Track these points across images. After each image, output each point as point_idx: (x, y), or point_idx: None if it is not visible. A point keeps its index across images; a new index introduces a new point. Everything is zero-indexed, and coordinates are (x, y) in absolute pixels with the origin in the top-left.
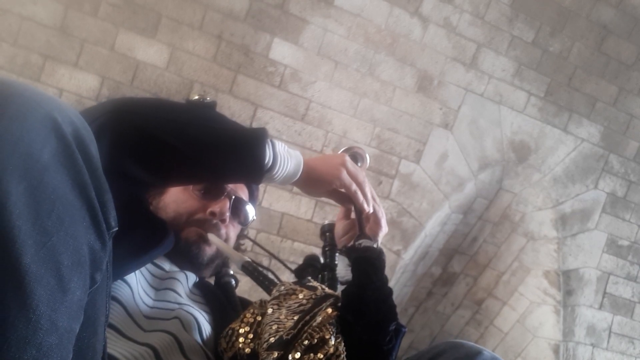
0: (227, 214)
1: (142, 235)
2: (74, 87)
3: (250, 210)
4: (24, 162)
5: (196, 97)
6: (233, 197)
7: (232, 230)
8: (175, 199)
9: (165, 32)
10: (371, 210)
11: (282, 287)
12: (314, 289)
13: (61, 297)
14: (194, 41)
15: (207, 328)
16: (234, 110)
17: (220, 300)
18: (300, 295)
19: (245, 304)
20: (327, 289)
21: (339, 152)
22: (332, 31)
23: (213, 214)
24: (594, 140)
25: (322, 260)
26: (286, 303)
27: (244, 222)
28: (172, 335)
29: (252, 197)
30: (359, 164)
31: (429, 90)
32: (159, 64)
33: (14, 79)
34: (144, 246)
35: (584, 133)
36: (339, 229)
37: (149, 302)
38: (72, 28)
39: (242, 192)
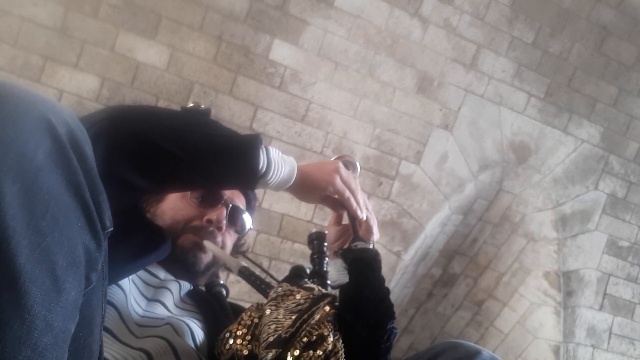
0: (224, 222)
1: (139, 240)
2: (74, 88)
3: (247, 219)
4: (18, 163)
5: (191, 105)
6: (230, 205)
7: (228, 239)
8: (173, 207)
9: (165, 33)
10: (364, 217)
11: (280, 289)
12: (310, 289)
13: (56, 297)
14: (194, 42)
15: (199, 334)
16: (234, 111)
17: (213, 307)
18: (297, 295)
19: (236, 310)
20: (323, 290)
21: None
22: (332, 32)
23: (210, 221)
24: (594, 141)
25: (310, 268)
26: (284, 304)
27: (240, 231)
28: (165, 340)
29: (250, 206)
30: (349, 171)
31: (429, 91)
32: (159, 65)
33: (8, 80)
34: (141, 250)
35: (584, 134)
36: (331, 235)
37: (140, 311)
38: (72, 29)
39: (240, 200)
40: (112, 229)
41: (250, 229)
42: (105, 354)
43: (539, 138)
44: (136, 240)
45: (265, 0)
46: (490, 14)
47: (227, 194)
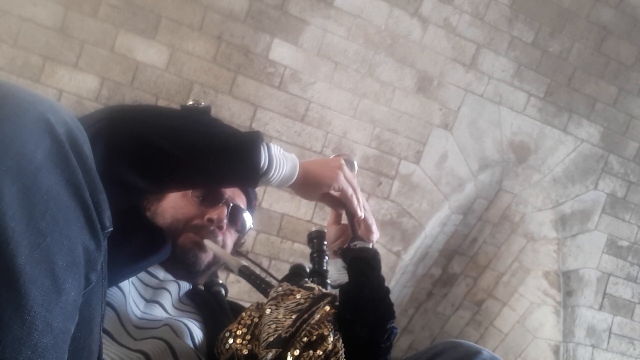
0: (225, 221)
1: (140, 241)
2: (73, 88)
3: (248, 218)
4: (17, 163)
5: (191, 103)
6: (231, 204)
7: (229, 238)
8: (174, 205)
9: (165, 33)
10: (363, 216)
11: (280, 288)
12: (311, 289)
13: (56, 297)
14: (194, 42)
15: (198, 334)
16: (234, 111)
17: (212, 307)
18: (297, 295)
19: (235, 309)
20: (323, 289)
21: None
22: (332, 32)
23: (210, 220)
24: (594, 141)
25: (310, 266)
26: (284, 303)
27: (241, 230)
28: (164, 341)
29: (250, 206)
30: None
31: (429, 90)
32: (158, 65)
33: (7, 80)
34: (141, 253)
35: (583, 134)
36: (330, 234)
37: (138, 312)
38: (71, 29)
39: (240, 199)
40: (111, 229)
41: (250, 228)
42: (104, 356)
43: (539, 138)
44: (136, 242)
45: (265, 0)
46: (489, 13)
47: (228, 193)
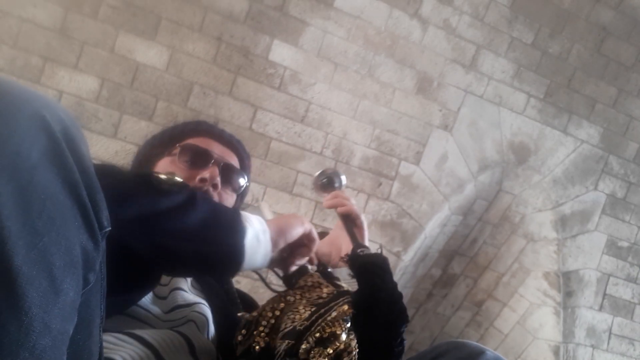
0: (218, 179)
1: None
2: (74, 89)
3: (242, 177)
4: (12, 161)
5: (163, 177)
6: (222, 163)
7: (225, 199)
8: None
9: (165, 34)
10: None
11: (310, 279)
12: (339, 287)
13: (54, 298)
14: (194, 43)
15: (212, 324)
16: (234, 112)
17: (219, 294)
18: (324, 290)
19: (245, 299)
20: (351, 289)
21: (315, 175)
22: (332, 33)
23: (203, 180)
24: (594, 142)
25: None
26: (308, 294)
27: (237, 189)
28: (184, 337)
29: (243, 165)
30: (336, 185)
31: (429, 91)
32: (158, 66)
33: (2, 77)
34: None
35: (583, 134)
36: (321, 248)
37: (160, 312)
38: (72, 30)
39: (232, 159)
40: (109, 228)
41: (247, 185)
42: (110, 354)
43: (539, 138)
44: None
45: (265, 1)
46: (489, 14)
47: (217, 152)
